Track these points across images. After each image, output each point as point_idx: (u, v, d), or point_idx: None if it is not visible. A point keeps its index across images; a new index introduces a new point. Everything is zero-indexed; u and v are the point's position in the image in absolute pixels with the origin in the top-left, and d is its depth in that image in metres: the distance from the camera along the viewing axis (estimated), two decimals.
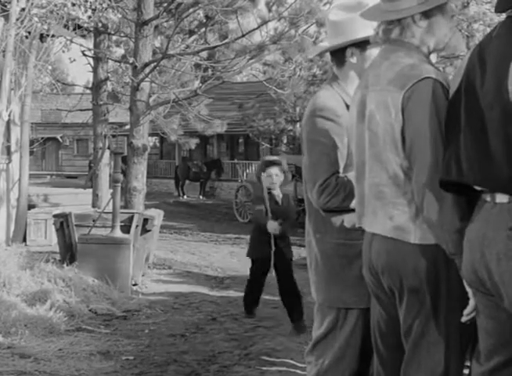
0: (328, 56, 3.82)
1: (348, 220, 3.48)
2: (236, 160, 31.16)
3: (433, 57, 3.24)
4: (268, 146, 29.63)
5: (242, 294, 7.95)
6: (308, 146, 3.60)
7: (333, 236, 3.57)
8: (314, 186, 3.52)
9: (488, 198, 2.55)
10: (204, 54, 18.53)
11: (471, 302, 2.76)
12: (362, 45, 3.50)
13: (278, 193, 7.38)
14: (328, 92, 3.62)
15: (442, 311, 2.88)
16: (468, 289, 2.73)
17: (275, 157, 7.60)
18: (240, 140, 33.72)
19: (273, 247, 7.21)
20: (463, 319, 2.81)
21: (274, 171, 7.21)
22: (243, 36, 12.92)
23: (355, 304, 3.50)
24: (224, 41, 14.50)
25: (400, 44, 2.97)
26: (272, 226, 7.20)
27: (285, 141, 29.12)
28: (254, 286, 7.69)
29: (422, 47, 2.98)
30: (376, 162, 2.98)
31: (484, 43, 2.60)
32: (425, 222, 2.80)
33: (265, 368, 5.67)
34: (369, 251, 3.05)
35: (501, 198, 2.49)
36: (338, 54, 3.63)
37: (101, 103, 14.74)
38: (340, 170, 3.44)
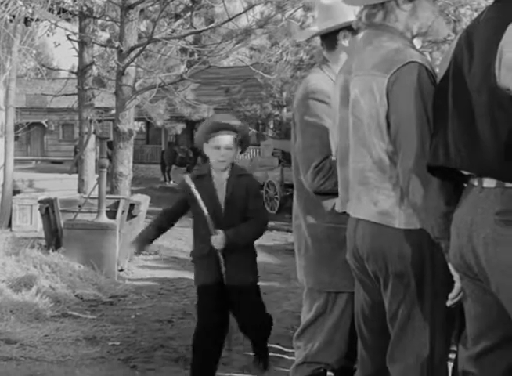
0: (316, 40, 3.81)
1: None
2: None
3: (417, 42, 3.23)
4: (255, 131, 29.57)
5: None
6: (301, 128, 3.59)
7: (325, 220, 3.56)
8: (308, 169, 3.51)
9: (476, 183, 2.55)
10: (190, 38, 18.43)
11: (457, 285, 2.76)
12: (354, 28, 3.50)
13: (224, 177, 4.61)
14: (319, 75, 3.62)
15: (428, 295, 2.88)
16: (455, 273, 2.73)
17: (227, 119, 4.65)
18: None
19: (223, 268, 4.58)
20: (449, 303, 2.82)
21: (224, 140, 4.49)
22: (230, 20, 12.84)
23: (345, 287, 3.50)
24: (210, 26, 14.43)
25: (384, 28, 2.96)
26: (217, 240, 4.51)
27: (271, 126, 29.07)
28: (204, 335, 4.65)
29: (405, 32, 2.97)
30: (360, 147, 2.97)
31: (472, 28, 2.60)
32: (411, 207, 2.79)
33: (252, 353, 5.66)
34: (354, 236, 3.05)
35: (488, 183, 2.49)
36: (329, 37, 3.62)
37: (86, 87, 14.65)
38: (333, 153, 3.43)
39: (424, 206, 2.71)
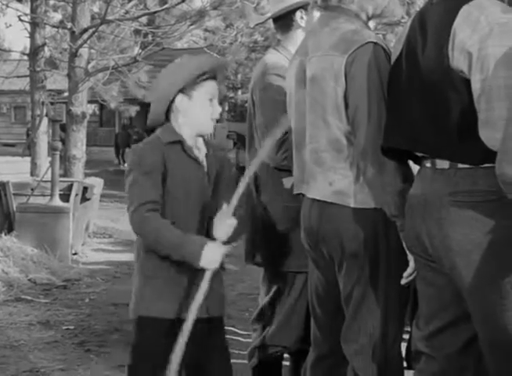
0: (270, 22, 3.79)
1: None
2: None
3: (371, 24, 3.24)
4: None
5: None
6: (261, 104, 3.59)
7: (284, 199, 3.56)
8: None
9: (429, 164, 2.57)
10: (144, 20, 18.24)
11: (411, 265, 2.80)
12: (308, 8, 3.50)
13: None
14: (275, 55, 3.61)
15: (382, 276, 2.91)
16: (409, 253, 2.76)
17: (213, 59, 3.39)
18: None
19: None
20: (403, 281, 2.85)
21: (215, 88, 3.07)
22: (184, 1, 12.74)
23: (301, 268, 3.50)
24: (164, 7, 14.28)
25: (339, 10, 2.97)
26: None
27: (226, 108, 29.04)
28: None
29: (361, 13, 2.99)
30: (316, 128, 2.97)
31: (425, 10, 2.62)
32: (367, 186, 2.81)
33: None
34: (309, 216, 3.05)
35: (442, 164, 2.51)
36: (284, 19, 3.61)
37: (38, 69, 14.43)
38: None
39: (381, 184, 2.73)
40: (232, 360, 3.15)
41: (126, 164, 3.14)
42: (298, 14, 3.58)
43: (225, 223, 2.86)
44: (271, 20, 3.80)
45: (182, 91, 2.98)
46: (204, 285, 2.84)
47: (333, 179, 2.93)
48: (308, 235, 3.09)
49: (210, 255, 2.83)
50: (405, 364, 3.13)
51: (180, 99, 2.99)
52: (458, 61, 2.41)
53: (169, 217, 2.91)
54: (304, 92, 3.02)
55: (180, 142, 2.99)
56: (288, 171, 3.42)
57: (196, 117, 3.01)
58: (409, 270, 2.81)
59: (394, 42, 2.80)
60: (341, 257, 2.95)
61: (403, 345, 3.15)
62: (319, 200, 2.99)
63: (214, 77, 3.04)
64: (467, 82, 2.40)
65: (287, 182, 3.53)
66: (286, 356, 3.91)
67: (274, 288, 3.71)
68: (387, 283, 2.91)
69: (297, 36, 3.58)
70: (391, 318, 2.93)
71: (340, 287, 3.01)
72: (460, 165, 2.46)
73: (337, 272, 3.01)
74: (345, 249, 2.92)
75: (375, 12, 3.02)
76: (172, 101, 3.00)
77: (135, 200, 2.90)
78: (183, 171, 2.97)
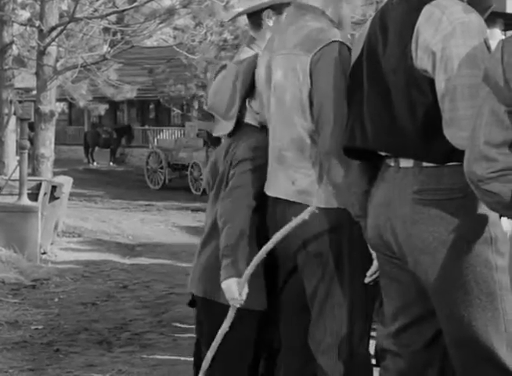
0: (240, 20, 3.80)
1: None
2: (146, 127, 30.83)
3: None
4: (180, 111, 29.40)
5: (153, 261, 7.91)
6: None
7: None
8: None
9: (392, 163, 2.59)
10: (113, 18, 18.16)
11: (375, 263, 2.82)
12: (278, 7, 3.50)
13: None
14: (249, 54, 3.61)
15: (346, 274, 2.92)
16: (372, 252, 2.78)
17: None
18: (151, 106, 33.30)
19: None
20: (367, 279, 2.88)
21: None
22: None
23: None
24: (133, 5, 14.22)
25: (306, 8, 2.97)
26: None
27: (196, 107, 28.93)
28: None
29: (326, 10, 2.98)
30: (280, 126, 2.98)
31: (385, 9, 2.63)
32: (331, 185, 2.82)
33: (177, 335, 5.68)
34: (274, 216, 3.05)
35: (405, 163, 2.53)
36: (254, 17, 3.62)
37: (6, 67, 14.31)
38: None
39: (346, 184, 2.74)
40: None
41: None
42: (265, 13, 3.58)
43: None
44: (241, 18, 3.80)
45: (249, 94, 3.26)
46: (226, 325, 3.03)
47: (295, 178, 2.94)
48: (273, 234, 3.06)
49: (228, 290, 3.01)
50: (374, 361, 3.15)
51: (250, 101, 3.28)
52: (422, 60, 2.43)
53: None
54: (270, 90, 3.03)
55: None
56: None
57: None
58: (373, 268, 2.84)
59: (355, 41, 2.81)
60: (305, 256, 2.95)
61: (372, 343, 3.17)
62: (281, 199, 2.99)
63: None
64: (431, 82, 2.42)
65: None
66: None
67: None
68: (352, 282, 2.92)
69: (267, 35, 3.59)
70: (356, 316, 2.94)
71: (304, 286, 3.01)
72: (425, 164, 2.48)
73: (300, 270, 3.01)
74: (308, 248, 2.92)
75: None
76: None
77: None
78: None
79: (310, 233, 2.90)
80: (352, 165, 2.73)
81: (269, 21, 3.58)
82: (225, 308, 3.05)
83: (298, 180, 2.93)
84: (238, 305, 2.99)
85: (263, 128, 3.18)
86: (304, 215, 2.81)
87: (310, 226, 2.88)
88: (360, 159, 2.71)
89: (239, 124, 3.25)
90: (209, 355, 3.10)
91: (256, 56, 3.29)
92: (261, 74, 3.15)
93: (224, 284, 2.99)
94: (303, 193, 2.92)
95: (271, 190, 3.06)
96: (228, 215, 3.05)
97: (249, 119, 3.26)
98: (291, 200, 2.95)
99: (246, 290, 2.98)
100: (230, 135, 3.29)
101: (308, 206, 2.87)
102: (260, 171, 3.08)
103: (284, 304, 3.20)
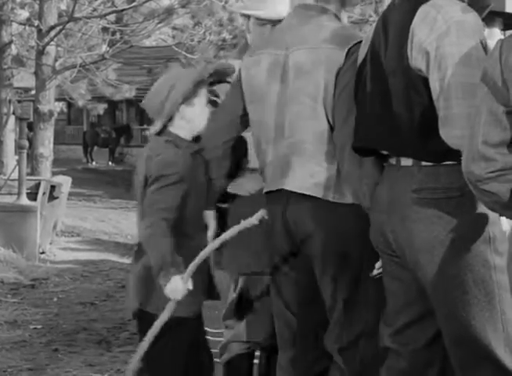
0: (239, 19, 3.79)
1: None
2: (145, 126, 30.83)
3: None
4: None
5: None
6: None
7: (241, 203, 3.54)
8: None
9: (394, 162, 2.60)
10: (112, 17, 18.19)
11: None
12: None
13: None
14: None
15: (365, 272, 2.90)
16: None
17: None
18: None
19: None
20: (374, 272, 2.86)
21: (204, 92, 3.30)
22: None
23: (266, 267, 3.48)
24: (132, 5, 14.24)
25: (315, 8, 2.98)
26: None
27: None
28: None
29: (338, 14, 3.02)
30: (300, 119, 2.94)
31: (388, 11, 2.65)
32: (345, 179, 2.81)
33: None
34: (286, 213, 2.97)
35: (405, 162, 2.54)
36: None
37: (5, 67, 14.33)
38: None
39: (359, 175, 2.73)
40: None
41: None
42: None
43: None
44: (240, 18, 3.79)
45: (183, 101, 3.14)
46: (165, 315, 3.04)
47: (314, 171, 2.90)
48: (286, 232, 3.01)
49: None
50: None
51: (183, 108, 3.15)
52: (416, 60, 2.44)
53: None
54: (282, 86, 3.01)
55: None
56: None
57: (197, 121, 3.19)
58: (380, 263, 2.82)
59: (362, 44, 2.83)
60: (326, 255, 2.91)
61: None
62: (296, 194, 2.93)
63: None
64: (426, 81, 2.43)
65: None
66: (257, 353, 3.92)
67: (241, 285, 3.72)
68: (371, 279, 2.91)
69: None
70: (374, 314, 2.92)
71: (323, 285, 2.98)
72: (423, 163, 2.49)
73: (315, 267, 2.98)
74: (329, 245, 2.89)
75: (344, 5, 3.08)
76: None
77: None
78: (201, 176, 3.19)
79: (329, 229, 2.87)
80: (365, 158, 2.72)
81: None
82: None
83: (317, 173, 2.89)
84: (179, 298, 2.99)
85: (191, 142, 3.13)
86: (254, 220, 2.87)
87: (330, 222, 2.86)
88: (370, 156, 2.71)
89: (166, 129, 3.17)
90: (144, 344, 3.10)
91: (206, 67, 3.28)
92: (259, 70, 3.10)
93: (168, 286, 2.97)
94: (320, 186, 2.88)
95: (284, 184, 2.96)
96: (147, 243, 3.06)
97: (176, 128, 3.17)
98: (307, 193, 2.90)
99: (190, 285, 2.99)
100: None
101: (323, 200, 2.85)
102: (174, 189, 3.02)
103: (291, 305, 3.16)
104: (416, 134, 2.46)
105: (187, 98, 3.13)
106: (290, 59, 2.98)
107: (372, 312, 2.94)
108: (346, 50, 2.85)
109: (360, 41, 2.82)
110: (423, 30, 2.43)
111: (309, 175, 2.90)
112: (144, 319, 3.21)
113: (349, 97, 2.79)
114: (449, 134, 2.37)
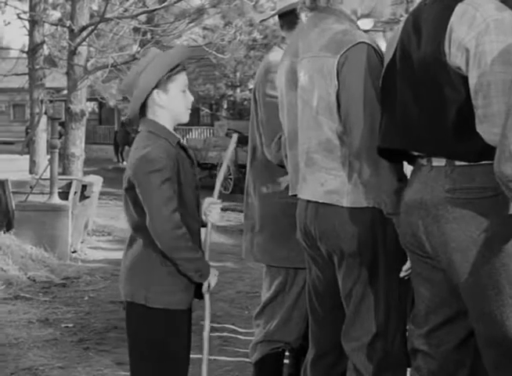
0: (269, 19, 3.80)
1: None
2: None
3: (369, 22, 3.25)
4: (209, 111, 29.46)
5: None
6: (264, 102, 3.61)
7: (282, 196, 3.56)
8: (272, 140, 3.52)
9: (425, 162, 2.59)
10: (143, 18, 18.27)
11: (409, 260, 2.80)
12: None
13: None
14: (279, 53, 3.61)
15: (381, 273, 2.92)
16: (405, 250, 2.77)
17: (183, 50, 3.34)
18: None
19: None
20: (402, 273, 2.86)
21: (186, 80, 3.19)
22: None
23: (302, 263, 3.50)
24: (163, 5, 14.27)
25: (329, 11, 2.98)
26: None
27: (225, 106, 29.00)
28: None
29: (350, 14, 3.00)
30: (307, 129, 2.99)
31: (417, 11, 2.64)
32: (362, 185, 2.82)
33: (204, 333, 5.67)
34: (305, 217, 3.06)
35: (438, 162, 2.54)
36: (289, 16, 3.62)
37: (37, 67, 14.44)
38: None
39: (377, 183, 2.75)
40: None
41: (125, 163, 3.24)
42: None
43: (214, 209, 3.22)
44: (272, 18, 3.81)
45: (157, 86, 3.04)
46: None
47: (324, 179, 2.95)
48: (304, 234, 3.09)
49: None
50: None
51: (156, 94, 3.06)
52: (455, 58, 2.43)
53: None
54: (296, 94, 3.04)
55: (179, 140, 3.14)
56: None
57: (175, 108, 3.11)
58: (408, 265, 2.83)
59: (386, 46, 2.82)
60: (340, 256, 2.96)
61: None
62: (312, 201, 3.01)
63: (184, 69, 3.12)
64: (464, 79, 2.43)
65: (283, 182, 3.56)
66: (287, 352, 3.92)
67: (275, 284, 3.72)
68: (387, 281, 2.92)
69: None
70: (391, 315, 2.94)
71: (339, 285, 3.02)
72: (457, 163, 2.48)
73: (336, 270, 3.02)
74: (344, 249, 2.93)
75: (364, 11, 3.04)
76: (147, 97, 3.08)
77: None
78: (189, 169, 3.15)
79: (344, 234, 2.90)
80: (383, 164, 2.73)
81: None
82: (147, 309, 3.03)
83: (328, 181, 2.94)
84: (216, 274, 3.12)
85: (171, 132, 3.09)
86: (231, 145, 3.25)
87: (344, 227, 2.88)
88: (392, 159, 2.72)
89: (145, 117, 3.15)
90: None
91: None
92: (281, 79, 3.17)
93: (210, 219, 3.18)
94: (332, 193, 2.92)
95: (300, 193, 3.08)
96: (171, 252, 2.98)
97: (151, 114, 3.12)
98: (321, 201, 2.96)
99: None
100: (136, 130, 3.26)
101: (337, 206, 2.88)
102: (169, 183, 2.96)
103: (315, 302, 3.19)
104: (450, 133, 2.45)
105: (160, 83, 3.03)
106: (298, 68, 3.03)
107: (392, 315, 2.94)
108: (338, 58, 2.83)
109: (354, 45, 2.80)
110: (461, 28, 2.42)
111: (320, 183, 2.97)
112: (130, 310, 3.14)
113: (366, 102, 2.77)
114: (488, 131, 2.37)
